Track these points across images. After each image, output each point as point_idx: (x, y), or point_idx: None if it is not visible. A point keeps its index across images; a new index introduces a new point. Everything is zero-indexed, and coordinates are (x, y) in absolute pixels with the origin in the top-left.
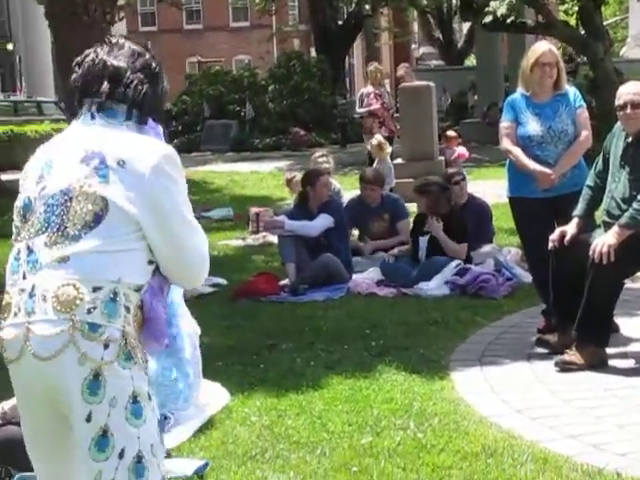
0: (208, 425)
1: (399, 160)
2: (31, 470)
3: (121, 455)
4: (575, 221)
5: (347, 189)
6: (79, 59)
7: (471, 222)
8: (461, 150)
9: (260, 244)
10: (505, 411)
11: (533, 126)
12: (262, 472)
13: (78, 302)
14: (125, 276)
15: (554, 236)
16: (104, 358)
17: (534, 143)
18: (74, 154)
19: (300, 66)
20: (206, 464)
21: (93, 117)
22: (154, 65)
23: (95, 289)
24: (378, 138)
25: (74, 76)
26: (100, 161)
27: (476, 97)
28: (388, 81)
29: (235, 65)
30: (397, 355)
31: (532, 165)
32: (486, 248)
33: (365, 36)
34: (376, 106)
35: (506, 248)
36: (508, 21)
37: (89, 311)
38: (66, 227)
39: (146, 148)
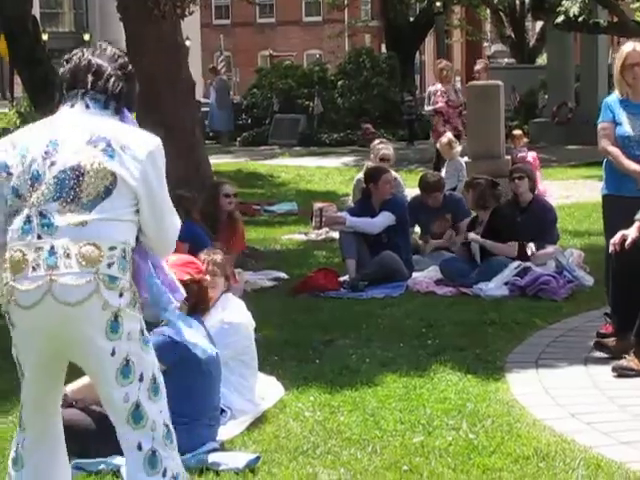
0: (262, 419)
1: (465, 158)
2: (88, 456)
3: (141, 379)
4: (637, 225)
5: (411, 186)
6: (67, 56)
7: (534, 223)
8: (534, 154)
9: (323, 239)
10: (559, 415)
11: (631, 126)
12: (312, 467)
13: (100, 259)
14: (129, 239)
15: (615, 239)
16: (121, 304)
17: (632, 143)
18: (81, 136)
19: (369, 62)
20: (258, 457)
21: (88, 107)
22: (130, 67)
23: (111, 248)
24: (448, 136)
25: (62, 70)
26: (107, 144)
27: (546, 96)
28: (459, 78)
29: (306, 59)
30: (453, 355)
31: (632, 166)
32: (548, 249)
33: (436, 33)
34: (441, 104)
35: (569, 250)
36: (580, 20)
37: (109, 266)
38: (80, 197)
39: (142, 138)
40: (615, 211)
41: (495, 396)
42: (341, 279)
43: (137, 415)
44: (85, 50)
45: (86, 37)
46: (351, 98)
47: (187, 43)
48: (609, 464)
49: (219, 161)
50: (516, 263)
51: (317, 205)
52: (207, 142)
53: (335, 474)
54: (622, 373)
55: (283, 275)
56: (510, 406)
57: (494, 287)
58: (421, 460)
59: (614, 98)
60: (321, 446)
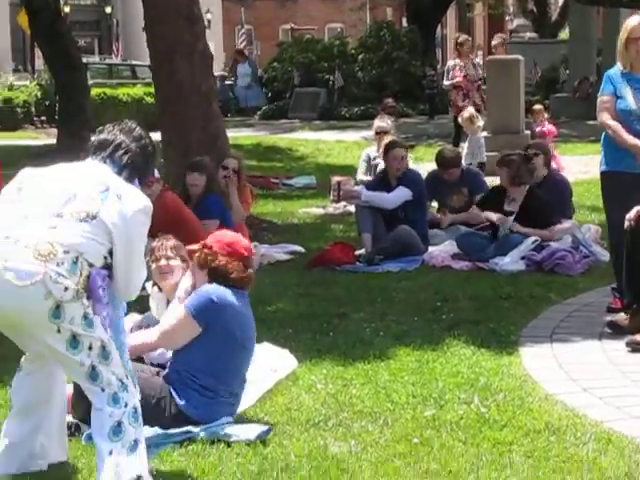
0: (274, 391)
1: (484, 133)
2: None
3: (90, 348)
4: None
5: (430, 160)
6: (101, 128)
7: (550, 198)
8: (550, 127)
9: (340, 213)
10: (572, 389)
11: (633, 100)
12: (324, 439)
13: (52, 256)
14: (86, 253)
15: (630, 215)
16: (63, 297)
17: (633, 117)
18: (91, 180)
19: (390, 35)
20: (269, 429)
21: (105, 162)
22: (150, 148)
23: (65, 252)
24: (470, 111)
25: (94, 137)
26: (105, 189)
27: (567, 71)
28: (481, 53)
29: (328, 33)
30: (467, 329)
31: (632, 140)
32: (565, 224)
33: (458, 7)
34: (459, 78)
35: (586, 225)
36: None
37: (58, 264)
38: (63, 215)
39: (136, 196)
40: (614, 188)
41: (508, 370)
42: (357, 253)
43: (94, 375)
44: (116, 126)
45: (108, 10)
46: (371, 72)
47: (208, 16)
48: (620, 438)
49: (239, 134)
50: (533, 238)
51: (335, 179)
52: (239, 118)
53: (345, 446)
54: (636, 348)
55: (299, 248)
56: (523, 380)
57: (510, 262)
58: (432, 433)
59: (616, 71)
60: (332, 418)
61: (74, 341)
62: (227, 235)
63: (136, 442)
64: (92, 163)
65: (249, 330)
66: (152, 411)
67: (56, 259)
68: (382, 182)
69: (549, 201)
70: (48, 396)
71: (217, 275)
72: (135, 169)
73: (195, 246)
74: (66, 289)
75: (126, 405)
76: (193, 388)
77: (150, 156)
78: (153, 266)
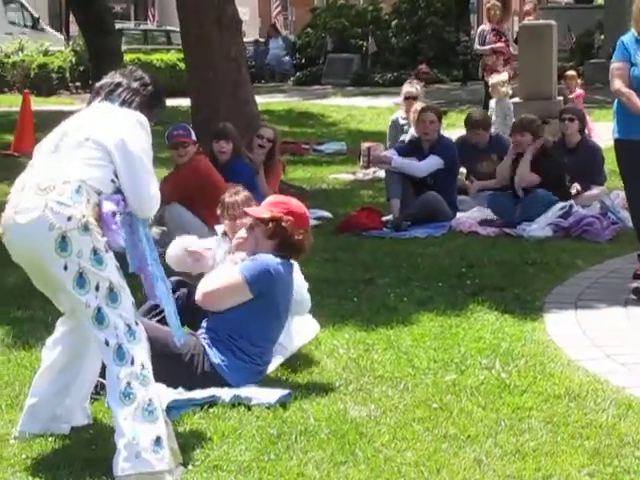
0: (296, 355)
1: (516, 99)
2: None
3: (97, 288)
4: None
5: (462, 127)
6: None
7: (581, 164)
8: (579, 91)
9: (369, 179)
10: (595, 355)
11: None
12: (344, 404)
13: (52, 188)
14: (89, 180)
15: None
16: (67, 226)
17: None
18: (84, 115)
19: (424, 1)
20: (289, 394)
21: (105, 100)
22: (150, 87)
23: (65, 182)
24: (501, 77)
25: (100, 82)
26: (98, 116)
27: (602, 37)
28: (517, 18)
29: None
30: (491, 295)
31: None
32: (593, 191)
33: None
34: (500, 44)
35: (615, 192)
36: None
37: (59, 194)
38: (59, 148)
39: (128, 113)
40: (628, 156)
41: (531, 336)
42: (384, 219)
43: (100, 317)
44: (118, 71)
45: None
46: (405, 38)
47: None
48: None
49: (271, 100)
50: (561, 204)
51: (365, 145)
52: (272, 84)
53: (365, 410)
54: None
55: (327, 214)
56: (545, 346)
57: (537, 228)
58: (452, 398)
59: (630, 37)
60: (353, 383)
61: (80, 279)
62: (296, 205)
63: (150, 402)
64: (94, 106)
65: (290, 302)
66: (184, 366)
67: (56, 191)
68: (414, 147)
69: (578, 164)
70: (78, 360)
71: (286, 247)
72: (136, 106)
73: (266, 213)
74: (69, 218)
75: (132, 362)
76: (230, 349)
77: (151, 94)
78: (226, 222)
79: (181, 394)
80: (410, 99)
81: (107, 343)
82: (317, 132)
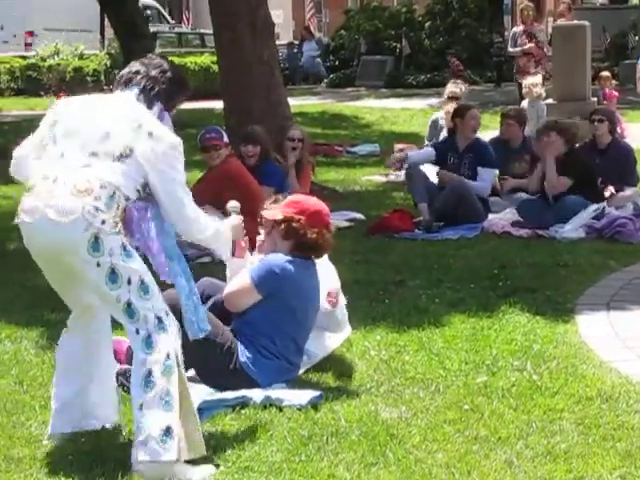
0: (327, 357)
1: (550, 100)
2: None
3: (129, 282)
4: None
5: (495, 128)
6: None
7: (613, 165)
8: (611, 92)
9: (402, 181)
10: (627, 357)
11: None
12: (375, 405)
13: (90, 191)
14: (122, 187)
15: None
16: (101, 229)
17: None
18: (124, 116)
19: (458, 3)
20: (321, 395)
21: (125, 87)
22: (169, 73)
23: (102, 187)
24: (535, 79)
25: (121, 72)
26: (138, 126)
27: (637, 37)
28: (551, 19)
29: (395, 0)
30: (523, 296)
31: None
32: (627, 192)
33: None
34: (530, 45)
35: None
36: None
37: (96, 199)
38: (98, 154)
39: (167, 134)
40: None
41: (563, 338)
42: (416, 220)
43: (130, 312)
44: (139, 61)
45: None
46: (439, 39)
47: None
48: None
49: (305, 102)
50: (594, 206)
51: (398, 146)
52: (306, 87)
53: (396, 412)
54: None
55: (359, 216)
56: (577, 348)
57: (570, 229)
58: (483, 400)
59: None
60: (385, 385)
61: (113, 274)
62: (310, 203)
63: (168, 392)
64: (120, 95)
65: (308, 301)
66: (220, 357)
67: (94, 194)
68: (450, 144)
69: (609, 165)
70: (93, 356)
71: (303, 247)
72: (156, 94)
73: (279, 214)
74: (103, 222)
75: (159, 351)
76: (256, 348)
77: (171, 81)
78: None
79: (212, 395)
80: (452, 99)
81: (137, 332)
82: (350, 134)
